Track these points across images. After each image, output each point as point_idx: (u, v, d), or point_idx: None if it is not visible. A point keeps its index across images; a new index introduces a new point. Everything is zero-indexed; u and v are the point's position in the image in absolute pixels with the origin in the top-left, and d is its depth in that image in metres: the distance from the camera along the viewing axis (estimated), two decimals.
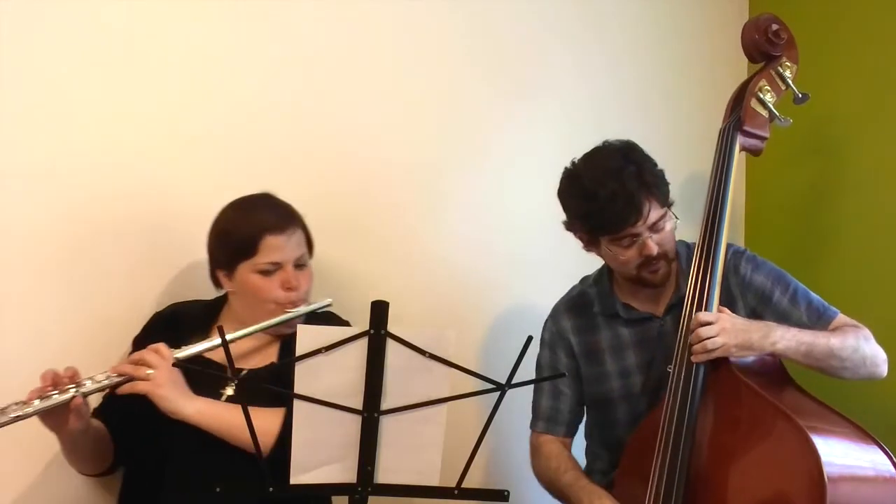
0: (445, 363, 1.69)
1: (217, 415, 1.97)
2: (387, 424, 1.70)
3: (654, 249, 2.16)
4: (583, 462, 2.37)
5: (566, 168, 2.25)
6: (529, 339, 1.74)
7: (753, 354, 2.05)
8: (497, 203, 2.79)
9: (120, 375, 1.95)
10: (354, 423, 1.69)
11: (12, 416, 1.82)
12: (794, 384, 2.08)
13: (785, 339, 2.05)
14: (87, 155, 2.22)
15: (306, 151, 2.49)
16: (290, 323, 2.07)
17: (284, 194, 2.18)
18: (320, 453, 1.70)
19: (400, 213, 2.63)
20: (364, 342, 1.67)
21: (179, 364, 1.97)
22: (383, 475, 1.71)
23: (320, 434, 1.69)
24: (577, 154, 2.24)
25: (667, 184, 2.20)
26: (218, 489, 1.68)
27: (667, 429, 2.03)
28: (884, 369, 2.15)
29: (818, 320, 2.17)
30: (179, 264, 2.32)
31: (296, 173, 2.42)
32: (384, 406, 1.70)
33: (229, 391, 2.05)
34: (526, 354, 1.72)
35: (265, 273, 2.07)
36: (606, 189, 2.12)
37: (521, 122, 2.83)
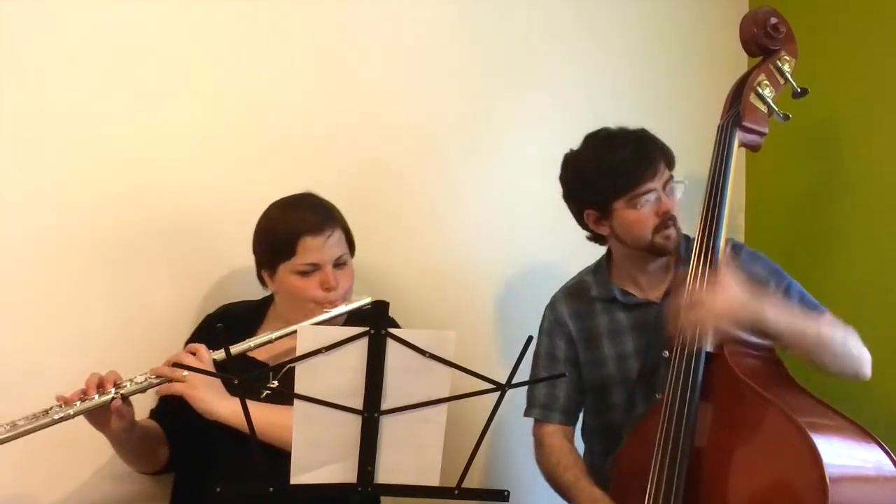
0: (445, 363, 1.69)
1: (251, 415, 1.97)
2: (387, 424, 1.70)
3: (671, 206, 2.21)
4: (581, 449, 2.38)
5: (568, 152, 2.30)
6: (530, 339, 1.75)
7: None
8: (497, 202, 2.79)
9: (158, 377, 2.00)
10: (355, 423, 1.69)
11: (56, 417, 1.91)
12: (794, 383, 2.07)
13: (779, 318, 2.03)
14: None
15: (303, 151, 2.50)
16: (331, 321, 2.10)
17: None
18: (321, 453, 1.70)
19: (399, 212, 2.63)
20: (364, 342, 1.67)
21: (217, 364, 2.01)
22: (383, 475, 1.71)
23: (321, 434, 1.69)
24: None
25: (673, 154, 2.28)
26: (218, 489, 1.68)
27: (666, 426, 2.03)
28: (868, 370, 2.18)
29: (810, 314, 2.19)
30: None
31: (294, 172, 2.43)
32: (384, 406, 1.69)
33: (271, 387, 2.07)
34: (526, 354, 1.71)
35: (304, 273, 2.11)
36: (627, 140, 2.23)
37: (520, 122, 2.84)
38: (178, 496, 2.21)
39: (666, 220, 2.21)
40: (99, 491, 2.23)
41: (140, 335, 2.25)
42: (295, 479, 1.69)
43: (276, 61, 2.47)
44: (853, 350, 2.14)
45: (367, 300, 2.15)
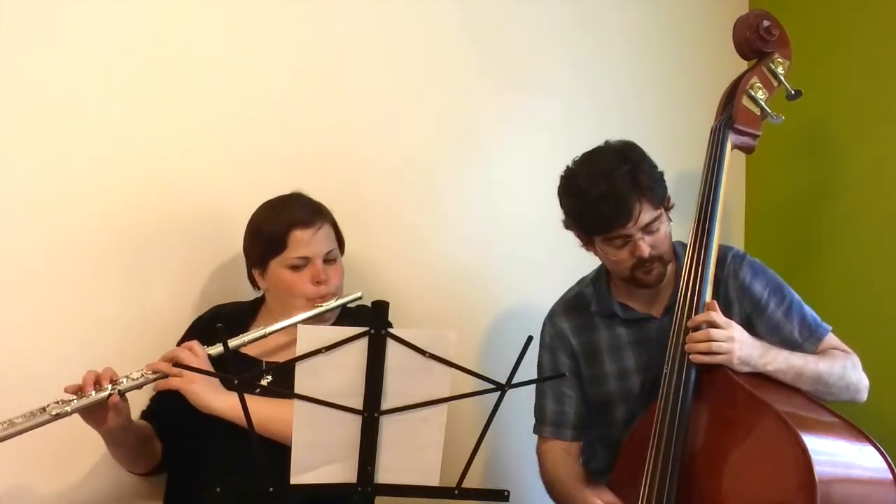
0: (445, 363, 1.69)
1: (251, 409, 1.96)
2: (387, 424, 1.70)
3: (646, 251, 2.15)
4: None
5: (566, 167, 2.24)
6: (529, 339, 1.74)
7: (748, 370, 2.05)
8: (497, 202, 2.79)
9: (154, 373, 2.01)
10: (355, 423, 1.69)
11: (53, 413, 1.91)
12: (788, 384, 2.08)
13: (777, 361, 2.07)
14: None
15: (301, 150, 2.49)
16: (323, 316, 2.12)
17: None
18: (321, 453, 1.70)
19: (399, 211, 2.63)
20: (364, 342, 1.67)
21: (211, 360, 2.03)
22: (383, 475, 1.72)
23: (321, 434, 1.69)
24: (575, 153, 2.23)
25: (664, 186, 2.20)
26: (218, 489, 1.68)
27: (659, 429, 2.04)
28: (864, 395, 2.18)
29: (809, 336, 2.19)
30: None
31: (292, 172, 2.42)
32: (384, 406, 1.70)
33: (263, 384, 2.08)
34: (526, 354, 1.72)
35: (295, 268, 2.13)
36: (598, 189, 2.12)
37: (520, 121, 2.83)
38: (171, 495, 2.21)
39: (642, 262, 2.16)
40: (94, 490, 2.23)
41: (139, 336, 2.24)
42: (295, 478, 1.69)
43: (276, 61, 2.47)
44: (851, 380, 2.14)
45: (358, 294, 2.17)
